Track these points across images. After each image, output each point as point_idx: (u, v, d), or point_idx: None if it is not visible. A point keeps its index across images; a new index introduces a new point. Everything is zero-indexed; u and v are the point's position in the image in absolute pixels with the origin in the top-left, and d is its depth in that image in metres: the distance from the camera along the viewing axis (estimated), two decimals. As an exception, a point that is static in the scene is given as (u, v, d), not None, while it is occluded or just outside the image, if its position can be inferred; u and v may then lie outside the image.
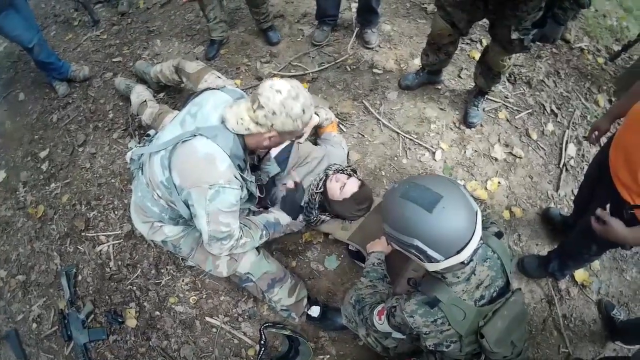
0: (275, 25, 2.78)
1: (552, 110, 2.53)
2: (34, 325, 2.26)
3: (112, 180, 2.45)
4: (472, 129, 2.39)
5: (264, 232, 1.75)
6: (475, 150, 2.35)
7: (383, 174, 2.24)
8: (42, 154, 2.65)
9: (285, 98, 1.26)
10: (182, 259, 1.73)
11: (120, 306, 2.15)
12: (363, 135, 2.36)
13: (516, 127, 2.46)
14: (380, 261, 1.62)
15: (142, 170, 1.62)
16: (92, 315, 2.18)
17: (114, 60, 2.94)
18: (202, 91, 1.50)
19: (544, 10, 1.76)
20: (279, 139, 1.36)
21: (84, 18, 3.21)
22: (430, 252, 1.03)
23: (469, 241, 1.03)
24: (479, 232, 1.04)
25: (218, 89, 1.48)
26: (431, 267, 1.08)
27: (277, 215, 1.86)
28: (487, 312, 1.17)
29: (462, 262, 1.06)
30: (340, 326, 1.87)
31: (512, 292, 1.22)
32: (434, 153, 2.31)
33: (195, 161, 1.34)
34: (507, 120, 2.47)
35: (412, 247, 1.05)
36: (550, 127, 2.46)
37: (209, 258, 1.70)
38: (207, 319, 2.04)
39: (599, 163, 1.62)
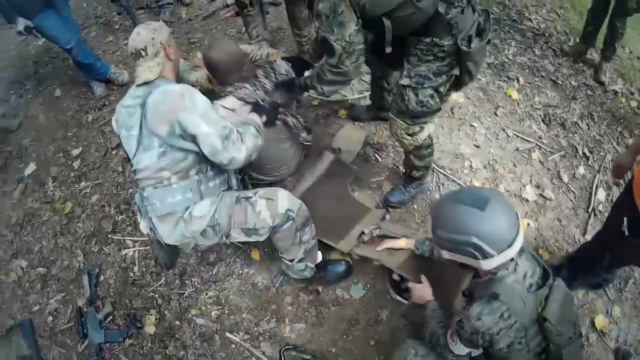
0: None
1: (584, 154, 2.63)
2: (50, 318, 2.35)
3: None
4: (391, 209, 2.32)
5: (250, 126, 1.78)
6: (507, 190, 2.45)
7: (415, 207, 2.34)
8: (75, 152, 2.79)
9: (143, 27, 1.64)
10: (228, 241, 1.81)
11: (140, 311, 2.23)
12: (397, 167, 2.47)
13: (548, 169, 2.56)
14: (436, 307, 1.71)
15: (143, 191, 1.68)
16: (111, 317, 2.26)
17: (153, 66, 3.11)
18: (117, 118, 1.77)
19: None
20: (173, 48, 1.72)
21: (126, 22, 3.40)
22: (485, 247, 1.17)
23: (516, 236, 1.19)
24: (522, 229, 1.22)
25: None
26: (486, 264, 1.22)
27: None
28: (541, 298, 1.28)
29: (512, 259, 1.22)
30: (338, 277, 2.14)
31: (553, 278, 1.33)
32: (465, 190, 2.41)
33: (159, 103, 1.57)
34: (540, 161, 2.57)
35: (468, 245, 1.19)
36: (581, 170, 2.57)
37: (248, 213, 1.71)
38: (227, 334, 2.11)
39: (627, 187, 1.73)
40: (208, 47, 2.04)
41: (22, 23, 2.47)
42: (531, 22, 3.10)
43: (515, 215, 1.21)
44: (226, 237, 1.77)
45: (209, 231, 1.72)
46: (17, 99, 3.18)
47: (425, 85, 1.70)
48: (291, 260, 1.92)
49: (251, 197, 1.73)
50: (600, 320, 2.09)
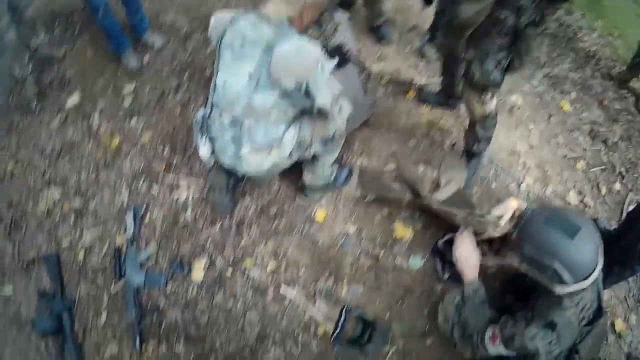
0: (388, 23, 3.00)
1: (620, 172, 2.83)
2: (81, 254, 2.26)
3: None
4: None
5: None
6: (554, 191, 2.61)
7: (472, 193, 2.44)
8: (126, 89, 2.73)
9: None
10: (309, 154, 1.97)
11: (188, 257, 2.20)
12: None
13: (589, 179, 2.74)
14: (479, 286, 1.75)
15: (241, 121, 1.74)
16: (154, 259, 2.21)
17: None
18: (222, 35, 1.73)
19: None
20: (311, 14, 1.78)
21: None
22: (565, 275, 1.28)
23: (595, 269, 1.30)
24: (601, 262, 1.32)
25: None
26: (559, 288, 1.33)
27: None
28: (584, 332, 1.40)
29: (584, 289, 1.32)
30: (344, 180, 2.34)
31: (603, 314, 1.46)
32: (519, 185, 2.56)
33: (291, 58, 1.62)
34: (583, 171, 2.75)
35: (549, 268, 1.30)
36: (617, 186, 2.76)
37: (328, 122, 1.87)
38: (282, 288, 2.12)
39: None
40: None
41: None
42: (584, 43, 3.37)
43: (598, 248, 1.31)
44: (309, 149, 1.93)
45: (295, 154, 1.89)
46: (63, 32, 3.09)
47: (489, 57, 1.90)
48: (323, 165, 2.07)
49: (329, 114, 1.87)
50: (619, 324, 2.24)
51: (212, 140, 1.87)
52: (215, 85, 1.76)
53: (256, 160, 1.81)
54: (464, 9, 1.72)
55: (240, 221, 2.26)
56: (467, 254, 1.78)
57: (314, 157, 2.03)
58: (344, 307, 2.02)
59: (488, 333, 1.56)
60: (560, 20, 3.41)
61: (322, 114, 1.85)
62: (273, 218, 2.27)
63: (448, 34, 2.03)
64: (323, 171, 2.12)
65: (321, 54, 1.67)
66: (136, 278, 2.16)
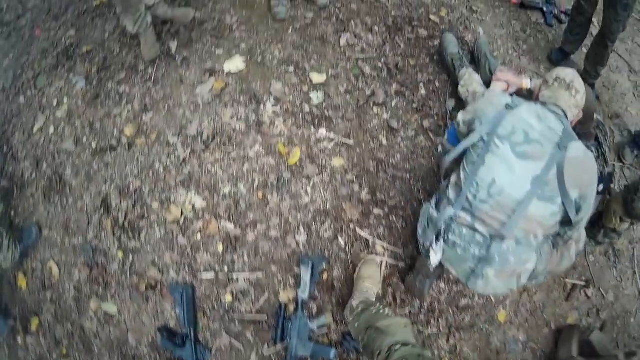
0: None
1: None
2: (229, 297, 1.88)
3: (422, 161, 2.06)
4: None
5: None
6: None
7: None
8: (316, 77, 2.04)
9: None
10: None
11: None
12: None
13: None
14: None
15: (502, 241, 1.51)
16: (325, 328, 1.94)
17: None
18: (496, 120, 1.52)
19: None
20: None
21: None
22: None
23: None
24: None
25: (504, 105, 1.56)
26: None
27: None
28: None
29: None
30: None
31: None
32: None
33: (582, 166, 1.48)
34: None
35: None
36: None
37: (564, 258, 1.73)
38: (447, 390, 2.07)
39: None
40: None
41: None
42: None
43: None
44: (534, 279, 1.74)
45: (524, 278, 1.69)
46: None
47: None
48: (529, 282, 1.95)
49: (569, 240, 1.71)
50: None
51: (447, 245, 1.59)
52: (474, 182, 1.48)
53: (496, 284, 1.58)
54: None
55: (430, 308, 2.06)
56: None
57: None
58: None
59: None
60: None
61: (565, 241, 1.67)
62: (461, 311, 2.14)
63: None
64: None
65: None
66: (301, 348, 1.85)
